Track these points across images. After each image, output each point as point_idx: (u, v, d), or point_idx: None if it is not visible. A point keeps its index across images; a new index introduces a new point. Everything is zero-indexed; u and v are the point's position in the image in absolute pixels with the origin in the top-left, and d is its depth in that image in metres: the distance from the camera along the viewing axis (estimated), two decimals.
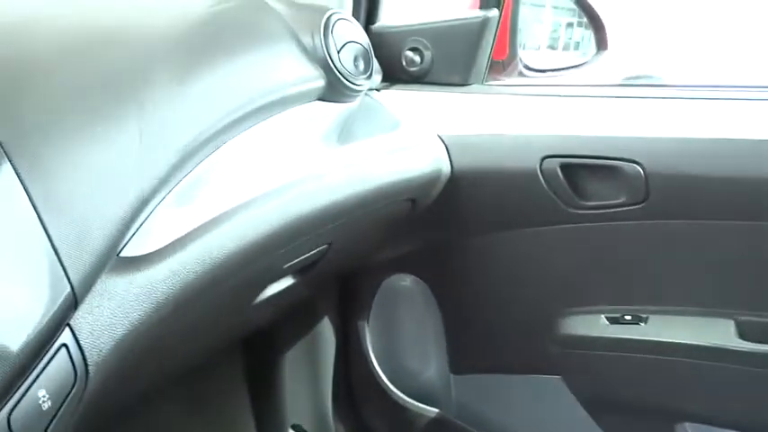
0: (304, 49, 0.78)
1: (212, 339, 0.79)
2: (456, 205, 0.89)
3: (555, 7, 1.55)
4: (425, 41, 0.93)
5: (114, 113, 0.52)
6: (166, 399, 0.98)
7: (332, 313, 1.11)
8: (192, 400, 1.04)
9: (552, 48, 1.50)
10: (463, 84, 0.92)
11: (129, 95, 0.54)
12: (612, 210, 0.81)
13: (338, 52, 0.80)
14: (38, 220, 0.42)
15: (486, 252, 0.93)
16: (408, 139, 0.84)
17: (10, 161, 0.42)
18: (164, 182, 0.53)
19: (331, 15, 0.81)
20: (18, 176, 0.42)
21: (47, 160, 0.45)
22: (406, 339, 1.07)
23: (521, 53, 1.06)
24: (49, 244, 0.41)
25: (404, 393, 1.07)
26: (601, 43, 1.09)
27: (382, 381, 1.08)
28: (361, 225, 0.82)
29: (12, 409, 0.38)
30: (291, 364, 1.09)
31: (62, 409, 0.42)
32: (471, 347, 1.01)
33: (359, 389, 1.13)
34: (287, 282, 0.78)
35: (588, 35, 1.15)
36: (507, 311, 0.95)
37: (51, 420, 0.41)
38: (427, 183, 0.85)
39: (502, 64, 1.04)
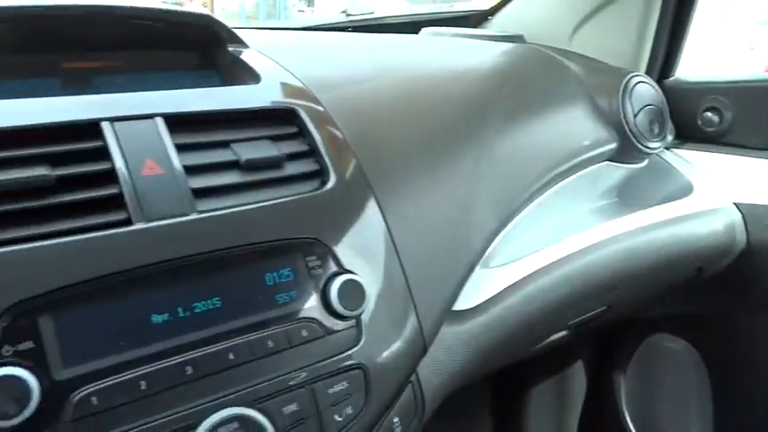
0: (600, 111, 0.80)
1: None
2: (747, 278, 0.84)
3: None
4: (726, 101, 0.89)
5: (452, 165, 0.58)
6: None
7: (586, 359, 1.11)
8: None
9: None
10: (765, 148, 0.86)
11: (463, 149, 0.60)
12: None
13: (635, 116, 0.81)
14: (402, 275, 0.49)
15: None
16: (701, 206, 0.81)
17: (378, 203, 0.49)
18: (489, 240, 0.59)
19: (630, 79, 0.82)
20: (385, 222, 0.49)
21: (404, 205, 0.52)
22: (666, 403, 1.02)
23: None
24: (410, 298, 0.49)
25: None
26: None
27: None
28: (642, 289, 0.82)
29: None
30: (537, 402, 1.11)
31: None
32: (745, 428, 0.93)
33: None
34: (563, 332, 0.81)
35: None
36: None
37: None
38: (718, 253, 0.81)
39: None
